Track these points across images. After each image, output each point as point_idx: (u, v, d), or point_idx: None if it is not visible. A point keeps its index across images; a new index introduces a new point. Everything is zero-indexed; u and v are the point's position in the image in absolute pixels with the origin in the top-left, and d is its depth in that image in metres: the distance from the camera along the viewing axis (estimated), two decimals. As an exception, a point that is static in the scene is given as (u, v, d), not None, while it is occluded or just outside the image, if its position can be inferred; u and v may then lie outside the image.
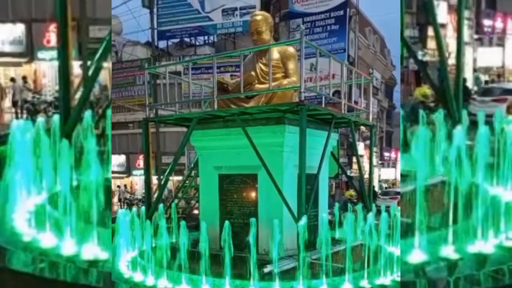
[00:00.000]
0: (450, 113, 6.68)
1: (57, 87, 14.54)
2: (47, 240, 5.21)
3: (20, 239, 5.26)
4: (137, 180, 27.16)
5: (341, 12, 22.71)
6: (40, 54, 15.47)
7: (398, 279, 5.54)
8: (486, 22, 16.28)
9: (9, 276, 4.54)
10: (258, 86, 7.12)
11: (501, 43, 16.00)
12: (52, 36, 15.17)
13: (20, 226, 5.54)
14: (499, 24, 16.29)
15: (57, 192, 5.61)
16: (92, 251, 4.96)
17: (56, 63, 14.92)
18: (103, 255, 4.98)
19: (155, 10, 24.64)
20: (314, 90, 6.93)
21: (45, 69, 15.67)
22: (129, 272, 6.13)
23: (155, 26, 24.79)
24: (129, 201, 24.56)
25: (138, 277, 5.93)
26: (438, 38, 7.56)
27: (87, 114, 5.86)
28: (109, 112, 5.98)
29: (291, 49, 7.26)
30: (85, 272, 4.68)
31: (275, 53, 6.98)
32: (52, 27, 14.95)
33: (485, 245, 4.83)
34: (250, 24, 7.30)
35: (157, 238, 6.09)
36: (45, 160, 5.68)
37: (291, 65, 7.14)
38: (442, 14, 14.15)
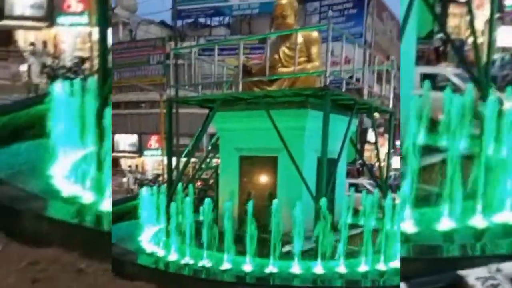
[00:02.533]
0: (482, 91, 6.68)
1: (75, 53, 14.76)
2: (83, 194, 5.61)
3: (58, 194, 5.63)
4: (148, 161, 27.43)
5: (359, -4, 22.35)
6: (60, 20, 15.55)
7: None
8: (508, 1, 15.99)
9: (46, 223, 4.90)
10: (281, 69, 7.16)
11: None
12: (72, 2, 15.28)
13: (59, 182, 5.89)
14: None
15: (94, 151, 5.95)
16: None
17: (76, 29, 15.09)
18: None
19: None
20: (338, 75, 6.96)
21: (65, 34, 15.77)
22: (153, 247, 6.35)
23: (172, 5, 24.69)
24: (140, 181, 24.89)
25: (161, 252, 6.15)
26: (471, 17, 7.50)
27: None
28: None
29: (315, 34, 7.26)
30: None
31: (299, 37, 6.99)
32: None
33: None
34: (275, 8, 7.29)
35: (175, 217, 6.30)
36: (85, 119, 5.97)
37: (314, 50, 7.16)
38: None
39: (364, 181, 13.97)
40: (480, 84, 6.75)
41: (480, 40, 7.91)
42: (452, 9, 15.16)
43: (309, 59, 7.12)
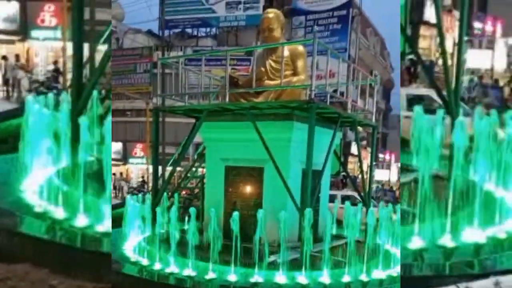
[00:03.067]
0: (450, 110, 6.87)
1: (48, 67, 14.63)
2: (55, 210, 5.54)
3: (30, 209, 5.56)
4: (133, 169, 27.20)
5: (344, 12, 22.86)
6: (34, 33, 15.42)
7: (394, 274, 5.81)
8: (477, 24, 16.61)
9: (18, 239, 4.87)
10: (267, 82, 7.30)
11: (490, 46, 16.33)
12: (46, 16, 15.20)
13: (31, 197, 5.83)
14: (489, 27, 16.68)
15: (67, 167, 5.90)
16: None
17: (49, 43, 15.00)
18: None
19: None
20: (323, 89, 7.13)
21: (38, 48, 15.63)
22: (136, 256, 6.31)
23: (160, 15, 24.81)
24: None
25: (145, 261, 6.12)
26: (441, 39, 7.74)
27: (95, 94, 6.16)
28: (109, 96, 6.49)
29: (300, 48, 7.43)
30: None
31: (285, 51, 7.15)
32: (47, 7, 15.03)
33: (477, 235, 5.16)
34: (262, 21, 7.44)
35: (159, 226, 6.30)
36: (59, 134, 5.94)
37: (300, 63, 7.32)
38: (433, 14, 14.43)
39: (355, 193, 14.17)
40: (450, 105, 6.94)
41: (449, 62, 8.14)
42: (423, 31, 15.65)
43: (295, 73, 7.27)
